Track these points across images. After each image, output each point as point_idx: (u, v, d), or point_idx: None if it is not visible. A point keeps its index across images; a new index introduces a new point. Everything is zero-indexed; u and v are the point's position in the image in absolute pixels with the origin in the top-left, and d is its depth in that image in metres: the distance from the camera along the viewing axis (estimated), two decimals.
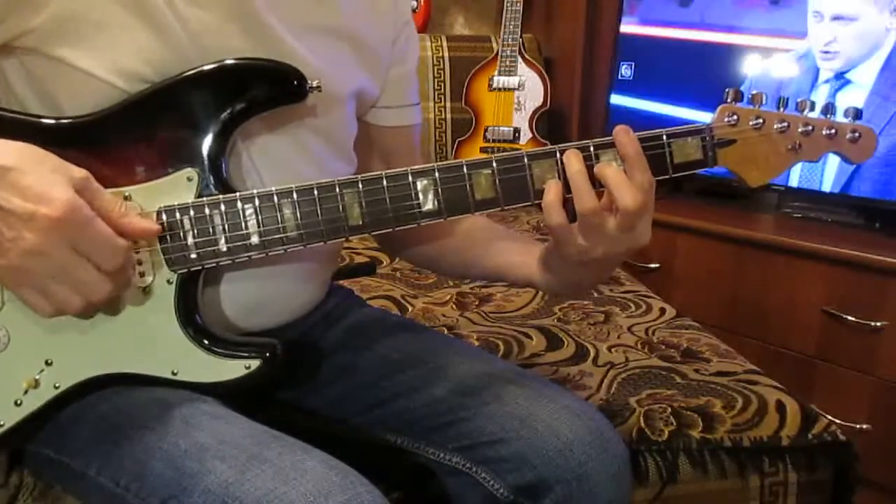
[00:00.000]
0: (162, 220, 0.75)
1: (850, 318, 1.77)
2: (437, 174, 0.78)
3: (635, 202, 0.74)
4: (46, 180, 0.65)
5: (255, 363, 0.78)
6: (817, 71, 1.94)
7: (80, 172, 0.68)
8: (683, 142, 0.81)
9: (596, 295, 1.66)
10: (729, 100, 0.82)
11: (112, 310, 0.76)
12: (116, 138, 0.77)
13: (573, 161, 0.77)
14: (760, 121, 0.82)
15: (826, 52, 1.91)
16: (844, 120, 0.83)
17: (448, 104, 2.49)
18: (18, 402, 0.76)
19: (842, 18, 1.88)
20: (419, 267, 1.67)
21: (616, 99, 2.36)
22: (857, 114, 0.83)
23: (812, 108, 0.83)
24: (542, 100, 2.40)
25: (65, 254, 0.66)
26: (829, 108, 0.83)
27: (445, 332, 1.41)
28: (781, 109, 0.83)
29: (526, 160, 0.78)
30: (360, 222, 0.78)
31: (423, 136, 1.86)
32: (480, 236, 0.97)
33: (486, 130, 2.43)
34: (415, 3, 2.69)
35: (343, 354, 0.96)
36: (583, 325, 1.47)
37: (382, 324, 1.01)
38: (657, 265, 2.16)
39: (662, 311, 1.57)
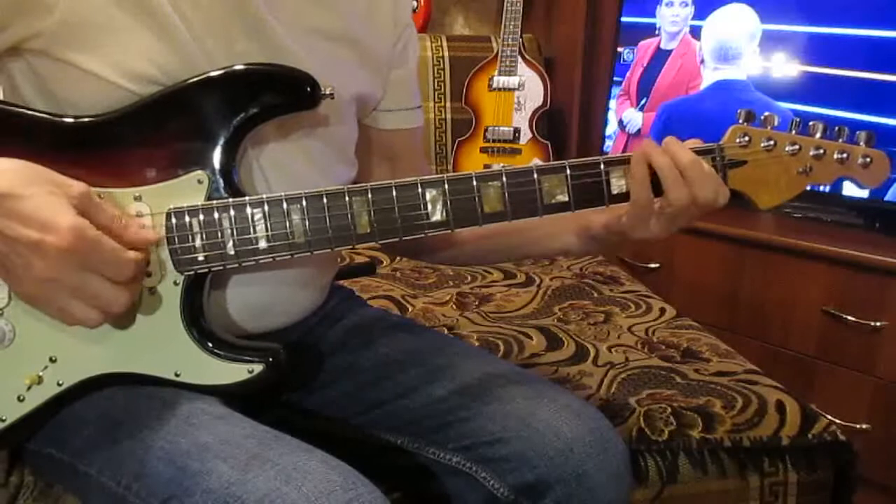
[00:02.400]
0: (170, 223, 0.76)
1: (850, 318, 1.77)
2: (446, 185, 0.78)
3: (726, 195, 0.82)
4: (47, 204, 0.65)
5: (257, 367, 0.78)
6: None
7: (77, 188, 0.68)
8: None
9: (596, 295, 1.66)
10: (741, 120, 0.82)
11: None
12: (129, 139, 0.77)
13: (661, 158, 0.79)
14: (772, 142, 0.81)
15: None
16: (857, 144, 0.82)
17: (448, 104, 2.49)
18: (21, 397, 0.77)
19: None
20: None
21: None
22: (870, 138, 0.82)
23: (825, 132, 0.82)
24: (542, 100, 2.39)
25: (77, 275, 0.67)
26: (841, 132, 0.82)
27: (445, 332, 1.41)
28: (793, 131, 0.82)
29: (536, 175, 0.79)
30: (368, 230, 0.78)
31: (423, 137, 1.86)
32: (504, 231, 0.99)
33: (486, 130, 2.42)
34: (415, 4, 2.69)
35: (343, 355, 0.96)
36: (583, 325, 1.48)
37: (382, 324, 1.01)
38: (657, 265, 2.16)
39: (662, 311, 1.57)
